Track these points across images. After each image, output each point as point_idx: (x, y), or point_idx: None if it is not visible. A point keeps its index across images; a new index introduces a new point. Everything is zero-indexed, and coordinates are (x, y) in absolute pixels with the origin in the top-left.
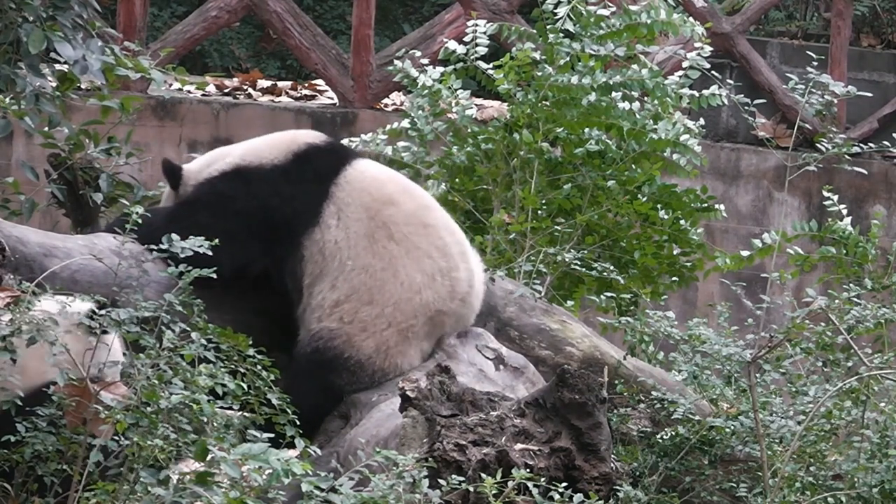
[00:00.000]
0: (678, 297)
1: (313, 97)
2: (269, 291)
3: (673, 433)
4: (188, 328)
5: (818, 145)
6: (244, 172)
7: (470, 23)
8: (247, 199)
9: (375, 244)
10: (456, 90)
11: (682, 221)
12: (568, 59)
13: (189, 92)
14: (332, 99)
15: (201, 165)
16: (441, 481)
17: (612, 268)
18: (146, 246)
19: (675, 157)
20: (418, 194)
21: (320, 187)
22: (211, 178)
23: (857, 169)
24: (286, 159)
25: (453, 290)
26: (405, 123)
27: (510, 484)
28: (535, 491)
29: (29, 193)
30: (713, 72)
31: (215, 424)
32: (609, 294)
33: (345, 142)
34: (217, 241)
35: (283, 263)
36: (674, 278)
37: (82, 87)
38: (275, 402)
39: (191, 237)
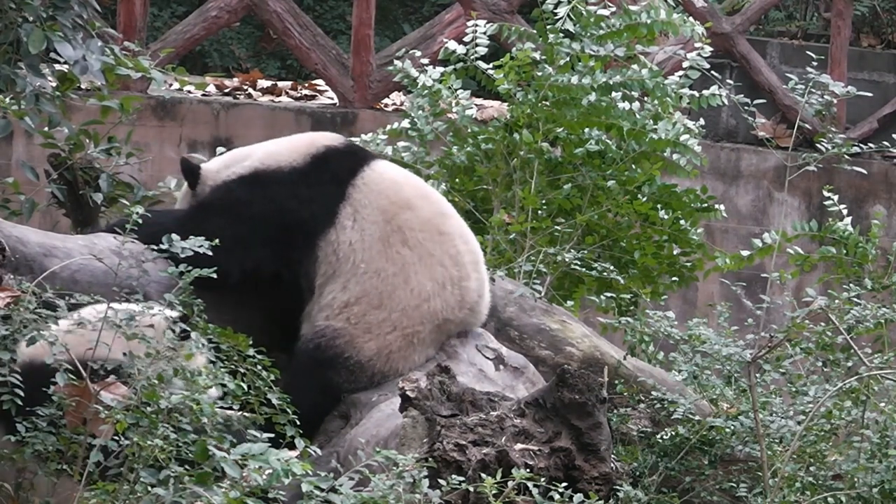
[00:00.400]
0: (678, 297)
1: (313, 97)
2: (271, 291)
3: (673, 433)
4: (188, 328)
5: (818, 145)
6: (262, 176)
7: (470, 23)
8: (263, 203)
9: (389, 248)
10: (456, 90)
11: (682, 221)
12: (568, 59)
13: (189, 92)
14: (332, 99)
15: (220, 166)
16: (441, 481)
17: (612, 268)
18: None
19: (675, 157)
20: (436, 199)
21: (338, 189)
22: (228, 181)
23: (856, 169)
24: (304, 162)
25: (462, 300)
26: (405, 123)
27: (510, 484)
28: (535, 491)
29: (29, 193)
30: (713, 72)
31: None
32: (609, 294)
33: None
34: (225, 245)
35: (299, 266)
36: (674, 278)
37: (82, 87)
38: (275, 402)
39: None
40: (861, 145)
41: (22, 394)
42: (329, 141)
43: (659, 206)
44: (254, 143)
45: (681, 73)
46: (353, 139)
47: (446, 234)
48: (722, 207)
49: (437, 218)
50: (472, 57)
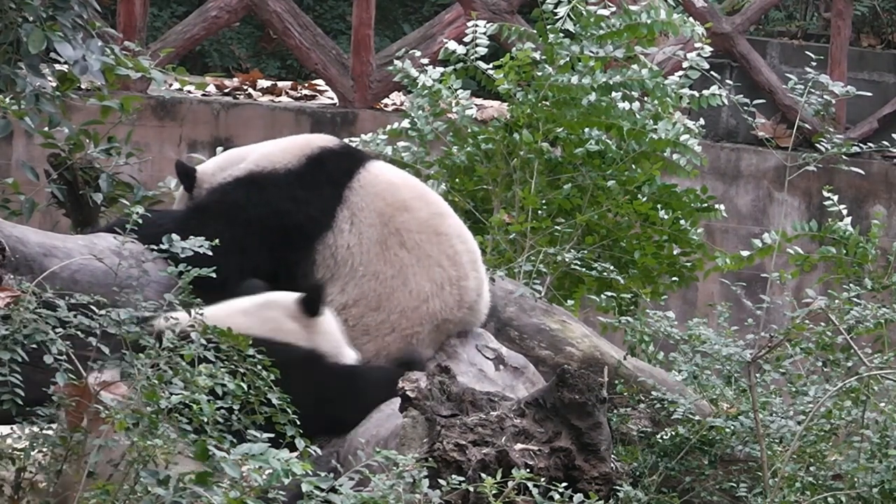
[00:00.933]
0: (678, 297)
1: (313, 97)
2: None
3: (673, 433)
4: (188, 328)
5: (818, 145)
6: (258, 178)
7: (470, 23)
8: (260, 206)
9: (387, 251)
10: (456, 90)
11: (682, 221)
12: (568, 59)
13: (189, 92)
14: (332, 99)
15: (215, 168)
16: (441, 481)
17: (612, 268)
18: (151, 248)
19: (675, 157)
20: (433, 200)
21: (334, 191)
22: (224, 183)
23: (854, 169)
24: (300, 163)
25: (461, 300)
26: (405, 123)
27: (510, 484)
28: (535, 491)
29: (29, 193)
30: (713, 72)
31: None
32: (609, 294)
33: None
34: (223, 248)
35: (297, 267)
36: (674, 278)
37: (82, 87)
38: (275, 402)
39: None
40: (861, 145)
41: (22, 394)
42: (324, 142)
43: (659, 206)
44: (254, 144)
45: (681, 73)
46: (352, 140)
47: (444, 235)
48: (722, 207)
49: (435, 219)
50: (472, 57)
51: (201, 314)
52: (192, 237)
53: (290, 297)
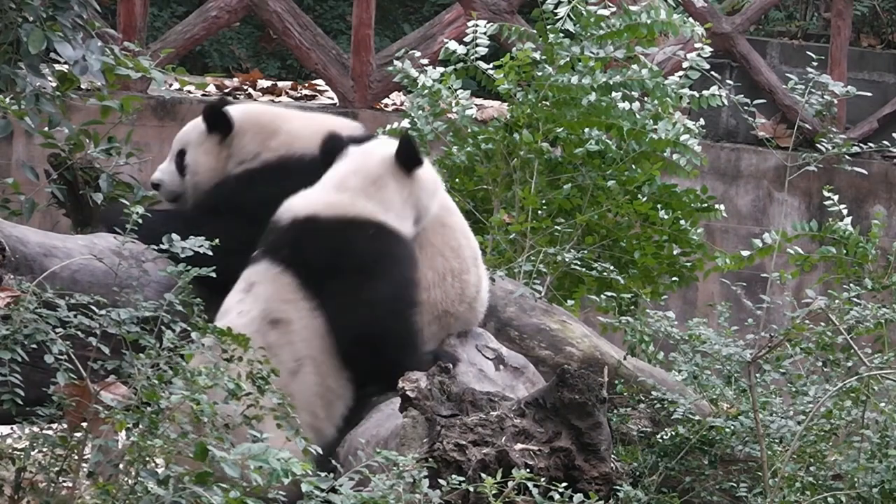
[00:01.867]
0: (678, 297)
1: (313, 97)
2: None
3: (673, 433)
4: (188, 328)
5: (818, 145)
6: (268, 174)
7: (470, 23)
8: (271, 202)
9: None
10: (456, 90)
11: (682, 221)
12: (568, 59)
13: (189, 92)
14: (332, 99)
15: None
16: (441, 481)
17: (612, 268)
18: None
19: (675, 157)
20: (440, 195)
21: None
22: (236, 177)
23: (856, 169)
24: (313, 156)
25: (462, 293)
26: (405, 123)
27: (510, 484)
28: (535, 491)
29: (29, 193)
30: (713, 72)
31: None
32: (609, 294)
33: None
34: (234, 247)
35: None
36: (674, 278)
37: (82, 87)
38: (275, 401)
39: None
40: (861, 145)
41: (22, 394)
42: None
43: (659, 206)
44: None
45: (681, 73)
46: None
47: (448, 227)
48: (722, 207)
49: (441, 211)
50: (472, 57)
51: (203, 316)
52: (204, 235)
53: (388, 158)
